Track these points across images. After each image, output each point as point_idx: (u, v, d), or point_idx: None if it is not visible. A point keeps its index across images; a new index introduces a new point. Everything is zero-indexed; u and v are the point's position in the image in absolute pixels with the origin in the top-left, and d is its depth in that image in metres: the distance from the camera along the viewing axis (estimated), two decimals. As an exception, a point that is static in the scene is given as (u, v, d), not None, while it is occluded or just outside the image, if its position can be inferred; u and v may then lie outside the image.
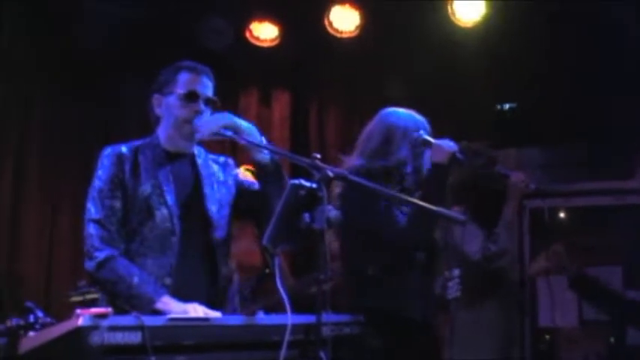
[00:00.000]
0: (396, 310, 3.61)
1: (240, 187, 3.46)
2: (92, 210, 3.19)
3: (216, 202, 3.34)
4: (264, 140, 3.28)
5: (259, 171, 3.31)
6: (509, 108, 6.64)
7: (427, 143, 3.71)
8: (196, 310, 2.96)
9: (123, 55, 6.41)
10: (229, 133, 3.18)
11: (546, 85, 6.22)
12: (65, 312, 3.20)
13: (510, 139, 6.02)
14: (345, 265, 3.86)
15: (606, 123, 6.03)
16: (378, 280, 3.59)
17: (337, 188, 3.64)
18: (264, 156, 3.25)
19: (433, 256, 3.72)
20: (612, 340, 5.67)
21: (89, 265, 3.12)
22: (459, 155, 3.62)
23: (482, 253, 4.12)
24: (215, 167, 3.45)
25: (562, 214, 6.03)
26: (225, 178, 3.45)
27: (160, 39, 6.39)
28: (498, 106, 6.80)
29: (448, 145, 3.65)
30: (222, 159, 3.52)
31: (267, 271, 5.35)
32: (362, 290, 3.64)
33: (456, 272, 3.47)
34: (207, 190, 3.34)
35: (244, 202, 3.43)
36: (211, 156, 3.50)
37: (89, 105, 6.52)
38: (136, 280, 3.05)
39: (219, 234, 3.31)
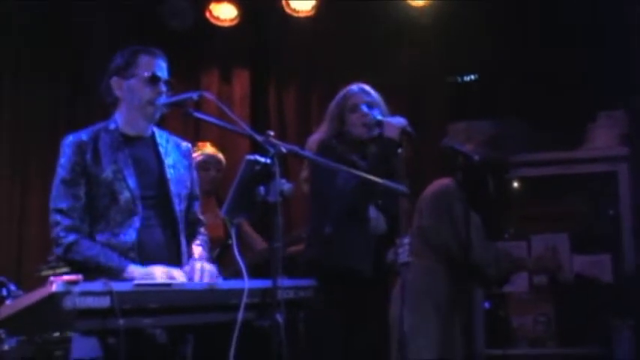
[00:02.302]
0: (347, 266, 3.96)
1: None
2: (57, 199, 3.35)
3: (177, 181, 3.52)
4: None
5: None
6: (470, 80, 6.83)
7: (379, 123, 4.02)
8: (158, 273, 3.17)
9: (86, 35, 6.49)
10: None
11: (496, 60, 6.41)
12: (36, 286, 3.37)
13: (462, 114, 6.20)
14: (309, 228, 4.22)
15: (556, 96, 6.24)
16: (332, 238, 3.92)
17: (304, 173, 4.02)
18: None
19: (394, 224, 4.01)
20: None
21: (57, 250, 3.32)
22: (408, 129, 3.91)
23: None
24: (176, 149, 3.61)
25: (514, 185, 6.27)
26: (187, 162, 3.64)
27: (123, 20, 6.49)
28: (459, 79, 7.00)
29: (398, 121, 3.97)
30: (184, 144, 3.68)
31: (229, 242, 5.57)
32: (319, 249, 3.98)
33: (406, 240, 3.73)
34: (168, 170, 3.50)
35: None
36: (173, 138, 3.66)
37: (55, 85, 6.58)
38: (101, 258, 3.24)
39: (179, 209, 3.50)
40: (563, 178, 6.10)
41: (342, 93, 4.22)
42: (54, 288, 2.54)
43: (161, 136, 3.61)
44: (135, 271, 3.22)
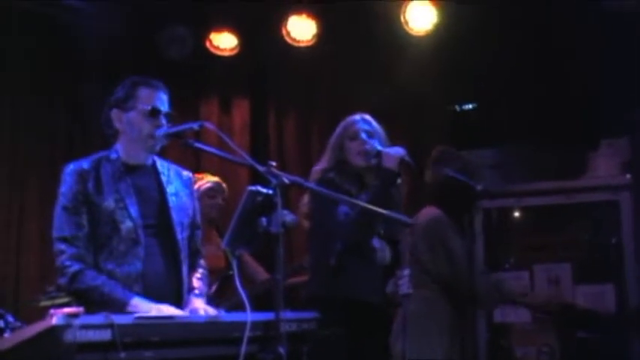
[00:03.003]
0: (354, 298, 3.92)
1: None
2: (60, 227, 3.32)
3: (179, 210, 3.50)
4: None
5: None
6: (469, 108, 6.83)
7: (378, 153, 4.01)
8: (162, 311, 3.13)
9: (86, 64, 6.48)
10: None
11: (498, 88, 6.41)
12: (35, 317, 3.30)
13: (464, 142, 6.18)
14: (311, 258, 4.21)
15: (557, 124, 6.22)
16: (336, 271, 3.88)
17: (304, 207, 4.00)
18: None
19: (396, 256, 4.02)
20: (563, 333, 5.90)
21: (62, 280, 3.29)
22: (407, 159, 3.90)
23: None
24: (177, 178, 3.60)
25: (515, 214, 6.24)
26: (188, 190, 3.62)
27: (122, 49, 6.49)
28: (457, 107, 7.00)
29: (396, 151, 3.96)
30: (185, 174, 3.66)
31: (230, 272, 5.54)
32: (323, 282, 3.95)
33: (406, 271, 3.71)
34: (170, 198, 3.48)
35: None
36: (174, 167, 3.65)
37: (54, 111, 6.55)
38: (106, 288, 3.21)
39: (181, 237, 3.47)
40: (565, 207, 6.02)
41: (343, 122, 4.22)
42: (54, 321, 2.51)
43: (162, 165, 3.59)
44: (139, 304, 3.19)
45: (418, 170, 4.05)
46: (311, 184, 3.78)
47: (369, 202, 3.70)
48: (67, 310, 2.55)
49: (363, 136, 4.10)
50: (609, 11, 5.85)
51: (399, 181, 3.88)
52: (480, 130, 6.58)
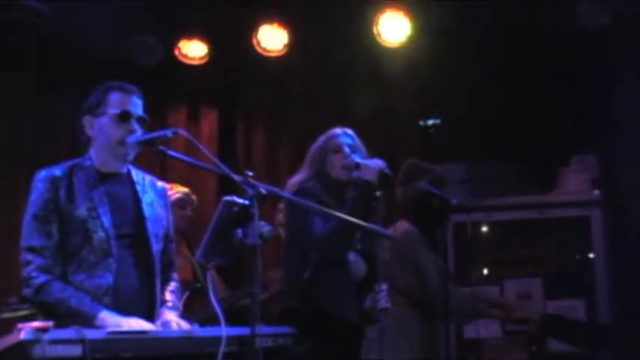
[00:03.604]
0: (328, 312, 3.84)
1: None
2: (28, 237, 3.20)
3: (154, 220, 3.39)
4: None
5: None
6: (433, 124, 6.78)
7: (357, 165, 3.93)
8: (132, 324, 3.02)
9: (52, 73, 6.36)
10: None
11: (469, 103, 6.36)
12: (-4, 331, 3.21)
13: (434, 156, 6.15)
14: (285, 271, 4.11)
15: (527, 139, 6.21)
16: (313, 284, 3.78)
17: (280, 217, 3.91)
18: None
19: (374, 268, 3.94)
20: (534, 348, 5.86)
21: (27, 291, 3.15)
22: (386, 171, 3.83)
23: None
24: (152, 188, 3.50)
25: (484, 228, 6.21)
26: (163, 201, 3.52)
27: (89, 57, 6.37)
28: (422, 123, 6.95)
29: (375, 163, 3.88)
30: (160, 184, 3.56)
31: (197, 285, 5.43)
32: (300, 296, 3.83)
33: (384, 285, 3.64)
34: (146, 208, 3.38)
35: None
36: (149, 177, 3.54)
37: (19, 120, 6.41)
38: (73, 301, 3.09)
39: (156, 249, 3.36)
40: (535, 222, 6.02)
41: (325, 135, 4.15)
42: (22, 335, 2.40)
43: (137, 174, 3.48)
44: (107, 318, 3.06)
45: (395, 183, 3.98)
46: (288, 195, 3.69)
47: (347, 214, 3.60)
48: (35, 324, 2.42)
49: (346, 149, 4.04)
50: (584, 29, 5.87)
51: (378, 193, 3.78)
52: (450, 145, 6.54)
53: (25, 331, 2.40)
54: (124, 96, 3.36)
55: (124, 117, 3.31)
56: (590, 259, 5.85)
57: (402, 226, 4.63)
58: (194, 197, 5.62)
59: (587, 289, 5.75)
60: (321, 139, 4.13)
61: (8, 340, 2.43)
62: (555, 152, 6.19)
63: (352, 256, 3.98)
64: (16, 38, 6.25)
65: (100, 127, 3.35)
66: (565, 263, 5.94)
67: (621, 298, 5.65)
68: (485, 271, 6.08)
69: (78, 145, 3.48)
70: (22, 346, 2.39)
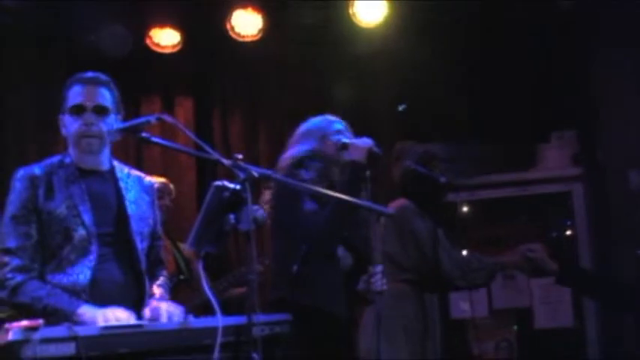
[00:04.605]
0: (317, 307, 3.70)
1: None
2: (5, 238, 3.09)
3: (139, 219, 3.28)
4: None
5: None
6: (403, 109, 6.73)
7: (345, 146, 3.83)
8: (110, 315, 2.89)
9: (21, 69, 6.21)
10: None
11: (448, 83, 6.29)
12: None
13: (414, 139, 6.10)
14: (274, 263, 3.97)
15: (506, 117, 6.16)
16: (301, 277, 3.64)
17: (267, 195, 3.73)
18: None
19: (359, 259, 3.86)
20: (515, 327, 5.85)
21: (2, 293, 3.04)
22: (375, 150, 3.71)
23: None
24: (138, 185, 3.39)
25: (466, 207, 6.18)
26: (149, 198, 3.41)
27: (57, 51, 6.24)
28: (399, 107, 6.90)
29: (364, 142, 3.76)
30: (147, 180, 3.46)
31: (180, 277, 5.33)
32: (288, 288, 3.70)
33: (379, 267, 3.55)
34: (129, 206, 3.27)
35: None
36: (135, 173, 3.43)
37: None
38: (51, 299, 2.98)
39: (140, 247, 3.26)
40: (517, 199, 6.06)
41: (321, 118, 4.01)
42: (10, 336, 2.28)
43: (121, 171, 3.37)
44: (87, 312, 2.94)
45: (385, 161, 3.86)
46: (282, 177, 3.56)
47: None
48: (24, 323, 2.30)
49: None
50: (564, 10, 5.84)
51: (367, 173, 3.67)
52: (429, 125, 6.48)
53: (13, 331, 2.29)
54: (82, 87, 3.23)
55: (78, 109, 3.20)
56: (573, 235, 5.88)
57: (399, 202, 4.60)
58: (172, 187, 5.52)
59: (570, 266, 5.75)
60: (319, 120, 3.99)
61: (-4, 342, 2.32)
62: (535, 129, 6.16)
63: (340, 250, 3.87)
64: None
65: (64, 124, 3.26)
66: (548, 240, 5.94)
67: (603, 274, 5.63)
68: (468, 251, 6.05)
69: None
70: (11, 348, 2.28)
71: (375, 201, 3.53)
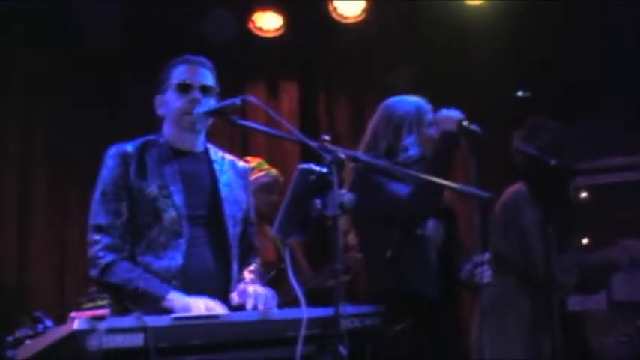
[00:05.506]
0: (413, 291, 3.53)
1: None
2: (96, 215, 3.06)
3: (232, 202, 3.21)
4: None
5: None
6: (522, 95, 6.47)
7: (433, 122, 3.66)
8: (201, 305, 2.80)
9: (124, 53, 6.21)
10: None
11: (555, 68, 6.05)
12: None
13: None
14: (363, 252, 3.81)
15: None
16: (394, 262, 3.49)
17: (349, 179, 3.55)
18: None
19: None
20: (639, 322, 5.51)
21: (93, 272, 3.01)
22: (466, 124, 3.49)
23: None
24: (232, 169, 3.32)
25: (585, 193, 5.87)
26: (243, 182, 3.33)
27: (162, 35, 6.20)
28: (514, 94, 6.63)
29: (454, 113, 3.55)
30: (241, 164, 3.39)
31: (282, 266, 5.19)
32: (380, 275, 3.56)
33: (486, 255, 3.31)
34: (223, 189, 3.19)
35: None
36: (229, 157, 3.37)
37: (94, 107, 6.28)
38: (141, 282, 2.93)
39: (232, 232, 3.17)
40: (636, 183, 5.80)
41: (411, 105, 3.79)
42: (75, 325, 2.18)
43: (216, 154, 3.31)
44: (175, 299, 2.86)
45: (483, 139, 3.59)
46: (369, 158, 3.37)
47: (427, 173, 3.30)
48: (90, 312, 2.20)
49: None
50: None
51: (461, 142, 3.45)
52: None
53: (78, 320, 2.19)
54: (188, 66, 3.22)
55: (184, 86, 3.17)
56: None
57: (514, 187, 4.32)
58: (281, 180, 5.36)
59: None
60: (409, 107, 3.77)
61: (62, 331, 2.24)
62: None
63: (431, 224, 3.65)
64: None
65: (165, 103, 3.22)
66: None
67: None
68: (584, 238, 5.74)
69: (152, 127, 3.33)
70: (76, 337, 2.18)
71: (484, 185, 3.29)
